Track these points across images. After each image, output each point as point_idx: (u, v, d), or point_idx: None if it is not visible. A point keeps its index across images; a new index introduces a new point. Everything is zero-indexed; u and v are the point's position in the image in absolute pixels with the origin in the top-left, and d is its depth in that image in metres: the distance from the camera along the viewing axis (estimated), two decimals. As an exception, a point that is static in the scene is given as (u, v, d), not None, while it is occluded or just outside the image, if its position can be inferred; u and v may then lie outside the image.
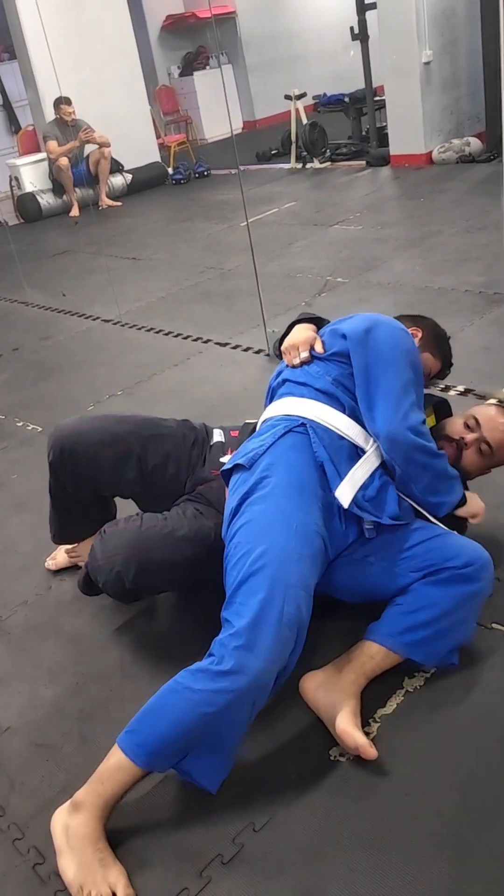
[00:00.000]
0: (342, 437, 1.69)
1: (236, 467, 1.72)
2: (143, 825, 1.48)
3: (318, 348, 1.81)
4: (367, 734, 1.57)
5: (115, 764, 1.43)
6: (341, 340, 1.77)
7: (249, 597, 1.45)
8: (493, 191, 5.49)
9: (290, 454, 1.66)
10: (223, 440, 2.07)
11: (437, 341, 2.01)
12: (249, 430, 1.98)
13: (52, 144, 7.62)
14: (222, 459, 1.98)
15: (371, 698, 1.64)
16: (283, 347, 1.89)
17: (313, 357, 1.82)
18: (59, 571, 2.29)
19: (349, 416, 1.71)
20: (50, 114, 7.65)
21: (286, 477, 1.62)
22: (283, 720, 1.64)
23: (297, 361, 1.83)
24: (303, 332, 1.88)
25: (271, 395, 1.91)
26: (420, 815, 1.41)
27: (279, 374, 1.89)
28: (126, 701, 1.77)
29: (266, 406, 1.94)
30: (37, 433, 3.24)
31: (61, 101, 7.45)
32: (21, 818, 1.55)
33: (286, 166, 8.01)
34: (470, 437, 1.85)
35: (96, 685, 1.85)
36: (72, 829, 1.41)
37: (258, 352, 3.64)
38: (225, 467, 1.79)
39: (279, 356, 1.98)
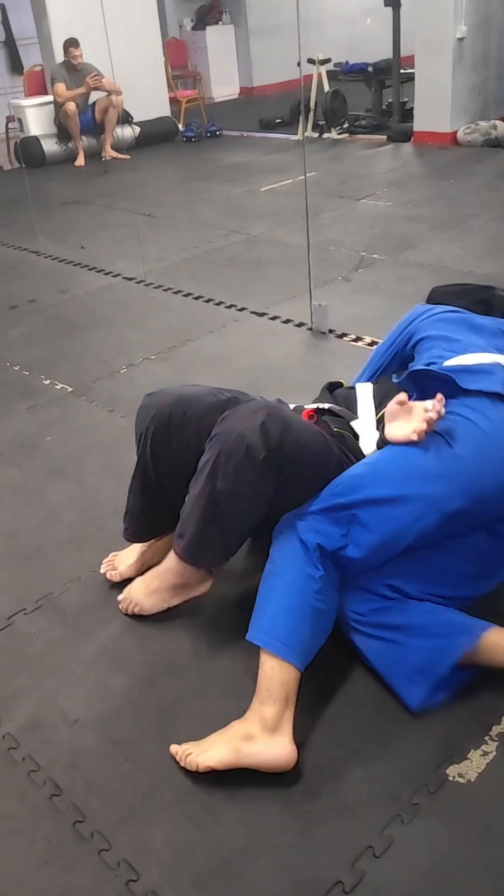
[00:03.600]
0: None
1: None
2: (256, 851, 1.34)
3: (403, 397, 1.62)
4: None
5: None
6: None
7: None
8: (525, 178, 5.38)
9: None
10: None
11: None
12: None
13: (61, 87, 7.26)
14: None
15: (488, 715, 1.53)
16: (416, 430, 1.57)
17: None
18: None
19: None
20: (60, 54, 7.27)
21: None
22: (393, 741, 1.51)
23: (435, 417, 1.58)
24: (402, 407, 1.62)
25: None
26: None
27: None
28: (207, 698, 1.63)
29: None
30: (66, 393, 3.04)
31: (70, 44, 7.09)
32: (105, 827, 1.39)
33: (293, 137, 7.63)
34: None
35: (171, 678, 1.69)
36: None
37: (299, 325, 3.46)
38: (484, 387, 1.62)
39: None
